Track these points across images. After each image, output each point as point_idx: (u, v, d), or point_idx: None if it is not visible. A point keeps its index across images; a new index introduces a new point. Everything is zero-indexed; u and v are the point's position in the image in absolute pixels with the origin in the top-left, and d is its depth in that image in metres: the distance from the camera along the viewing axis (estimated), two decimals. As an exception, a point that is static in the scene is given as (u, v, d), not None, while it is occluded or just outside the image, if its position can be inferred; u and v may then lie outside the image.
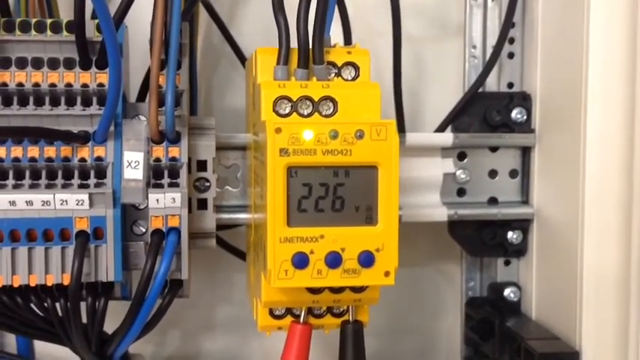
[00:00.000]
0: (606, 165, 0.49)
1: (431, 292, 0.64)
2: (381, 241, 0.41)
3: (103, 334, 0.46)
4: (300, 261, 0.41)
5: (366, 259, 0.41)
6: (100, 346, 0.46)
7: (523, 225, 0.58)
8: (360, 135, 0.41)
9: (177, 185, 0.45)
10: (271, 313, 0.46)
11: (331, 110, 0.43)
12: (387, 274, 0.41)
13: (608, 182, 0.49)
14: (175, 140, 0.46)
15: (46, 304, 0.45)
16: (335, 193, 0.41)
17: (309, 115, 0.43)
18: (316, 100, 0.43)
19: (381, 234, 0.41)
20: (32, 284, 0.43)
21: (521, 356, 0.53)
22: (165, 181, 0.45)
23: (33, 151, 0.44)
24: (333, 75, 0.45)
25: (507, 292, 0.60)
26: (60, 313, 0.45)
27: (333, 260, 0.41)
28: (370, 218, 0.42)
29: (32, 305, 0.45)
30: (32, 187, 0.43)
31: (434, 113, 0.61)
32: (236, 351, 0.63)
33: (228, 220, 0.52)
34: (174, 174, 0.45)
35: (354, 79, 0.45)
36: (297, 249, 0.41)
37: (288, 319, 0.46)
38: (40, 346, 0.57)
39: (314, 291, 0.44)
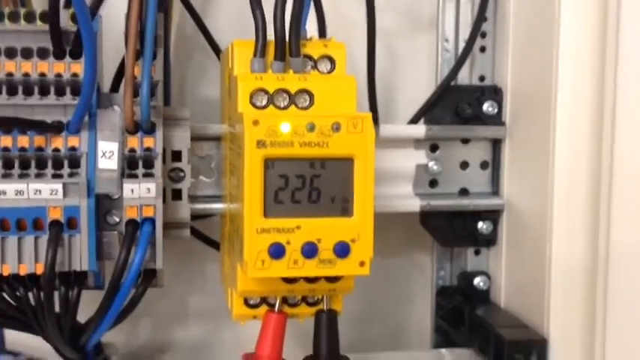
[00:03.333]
0: (575, 157, 0.50)
1: (403, 281, 0.65)
2: (357, 231, 0.42)
3: (76, 324, 0.46)
4: (277, 251, 0.41)
5: (342, 250, 0.41)
6: (73, 336, 0.46)
7: (493, 215, 0.59)
8: (336, 127, 0.41)
9: (151, 175, 0.45)
10: (246, 302, 0.46)
11: (307, 103, 0.43)
12: (362, 264, 0.42)
13: (577, 174, 0.50)
14: (150, 131, 0.45)
15: (18, 294, 0.44)
16: (311, 185, 0.42)
17: (286, 107, 0.43)
18: (293, 92, 0.43)
19: (356, 225, 0.42)
20: (5, 274, 0.43)
21: (490, 344, 0.53)
22: (140, 171, 0.45)
23: (6, 141, 0.44)
24: (309, 68, 0.45)
25: (477, 281, 0.60)
26: (33, 303, 0.44)
27: (309, 250, 0.41)
28: (346, 209, 0.42)
29: (4, 294, 0.45)
30: (5, 176, 0.43)
31: (407, 105, 0.61)
32: (209, 340, 0.63)
33: (202, 210, 0.52)
34: (148, 164, 0.45)
35: (330, 72, 0.45)
36: (274, 239, 0.41)
37: (263, 308, 0.46)
38: (12, 336, 0.56)
39: (289, 281, 0.44)
